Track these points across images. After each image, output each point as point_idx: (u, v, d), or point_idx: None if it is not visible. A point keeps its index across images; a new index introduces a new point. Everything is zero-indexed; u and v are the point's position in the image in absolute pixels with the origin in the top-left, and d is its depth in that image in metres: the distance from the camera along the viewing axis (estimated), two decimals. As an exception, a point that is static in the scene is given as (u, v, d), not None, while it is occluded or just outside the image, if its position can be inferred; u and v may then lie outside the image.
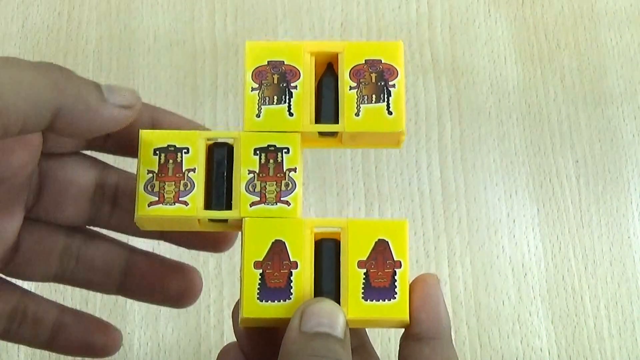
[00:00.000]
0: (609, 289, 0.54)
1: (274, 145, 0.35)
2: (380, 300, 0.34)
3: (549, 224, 0.55)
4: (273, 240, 0.34)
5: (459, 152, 0.57)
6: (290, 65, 0.36)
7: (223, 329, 0.52)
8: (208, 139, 0.35)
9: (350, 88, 0.35)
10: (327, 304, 0.32)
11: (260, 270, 0.34)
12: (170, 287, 0.39)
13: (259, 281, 0.34)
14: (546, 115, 0.58)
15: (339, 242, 0.35)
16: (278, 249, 0.34)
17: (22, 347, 0.51)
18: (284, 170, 0.35)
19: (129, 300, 0.52)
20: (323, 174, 0.56)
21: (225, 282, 0.53)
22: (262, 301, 0.33)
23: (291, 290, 0.34)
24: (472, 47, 0.60)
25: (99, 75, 0.58)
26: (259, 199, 0.34)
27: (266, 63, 0.36)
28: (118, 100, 0.32)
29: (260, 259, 0.34)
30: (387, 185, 0.56)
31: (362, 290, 0.34)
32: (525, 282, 0.54)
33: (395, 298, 0.34)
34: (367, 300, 0.34)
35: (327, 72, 0.36)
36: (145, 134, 0.35)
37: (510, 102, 0.58)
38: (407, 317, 0.34)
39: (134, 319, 0.52)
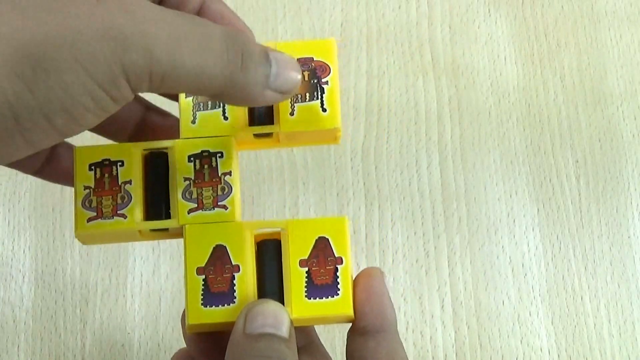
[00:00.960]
0: (609, 289, 0.54)
1: (208, 151, 0.35)
2: (324, 298, 0.34)
3: (549, 224, 0.55)
4: (214, 246, 0.34)
5: (459, 152, 0.57)
6: None
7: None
8: (144, 150, 0.35)
9: None
10: (270, 304, 0.32)
11: (203, 276, 0.34)
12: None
13: (202, 287, 0.34)
14: (546, 115, 0.58)
15: (281, 241, 0.35)
16: (219, 254, 0.34)
17: (22, 348, 0.51)
18: (219, 175, 0.35)
19: (129, 300, 0.52)
20: (323, 174, 0.56)
21: (225, 282, 0.53)
22: (206, 307, 0.34)
23: (234, 294, 0.34)
24: (472, 47, 0.60)
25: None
26: (196, 205, 0.35)
27: None
28: (279, 85, 0.32)
29: (202, 265, 0.34)
30: (387, 185, 0.56)
31: (305, 289, 0.34)
32: (525, 282, 0.54)
33: (338, 294, 0.34)
34: (310, 299, 0.34)
35: None
36: (79, 150, 0.35)
37: (510, 102, 0.58)
38: (351, 313, 0.34)
39: (134, 319, 0.52)
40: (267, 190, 0.55)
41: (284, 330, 0.32)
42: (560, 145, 0.57)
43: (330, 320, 0.35)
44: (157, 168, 0.35)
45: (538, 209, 0.56)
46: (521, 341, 0.53)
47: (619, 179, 0.57)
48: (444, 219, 0.55)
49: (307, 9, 0.61)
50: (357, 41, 0.60)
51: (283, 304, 0.34)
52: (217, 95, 0.31)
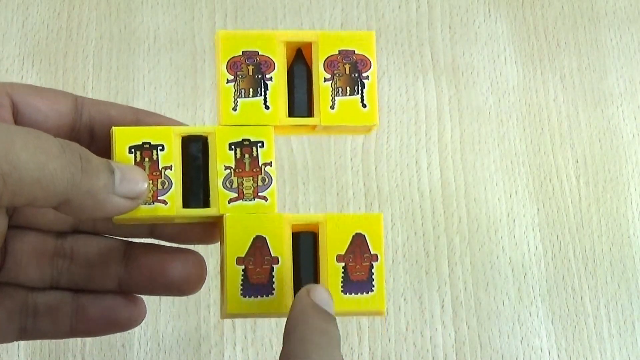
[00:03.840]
0: (609, 289, 0.54)
1: (249, 140, 0.35)
2: (359, 293, 0.34)
3: (549, 224, 0.55)
4: (254, 236, 0.34)
5: (459, 152, 0.57)
6: (264, 55, 0.35)
7: (223, 329, 0.52)
8: (183, 135, 0.35)
9: (325, 80, 0.35)
10: (325, 291, 0.33)
11: (243, 267, 0.34)
12: (174, 273, 0.37)
13: (242, 277, 0.34)
14: (546, 115, 0.58)
15: (316, 234, 0.35)
16: (259, 245, 0.34)
17: (22, 347, 0.51)
18: (260, 165, 0.35)
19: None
20: (323, 174, 0.56)
21: (225, 282, 0.53)
22: (245, 297, 0.34)
23: (273, 286, 0.34)
24: (472, 47, 0.60)
25: (99, 75, 0.58)
26: (236, 195, 0.34)
27: (240, 53, 0.35)
28: (126, 191, 0.32)
29: (242, 255, 0.34)
30: (387, 185, 0.56)
31: (342, 284, 0.34)
32: (525, 282, 0.54)
33: (373, 291, 0.34)
34: (346, 294, 0.34)
35: (298, 60, 0.36)
36: (118, 131, 0.34)
37: (510, 102, 0.58)
38: (383, 309, 0.34)
39: (134, 319, 0.52)
40: (267, 190, 0.55)
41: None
42: (560, 145, 0.57)
43: (362, 314, 0.35)
44: (195, 154, 0.35)
45: (538, 209, 0.56)
46: (521, 341, 0.53)
47: (619, 179, 0.57)
48: (444, 219, 0.55)
49: (307, 9, 0.61)
50: (357, 41, 0.60)
51: None
52: (65, 202, 0.30)
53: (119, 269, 0.37)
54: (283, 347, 0.31)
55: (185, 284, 0.38)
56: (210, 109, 0.57)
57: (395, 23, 0.60)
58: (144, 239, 0.38)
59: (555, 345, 0.52)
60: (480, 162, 0.57)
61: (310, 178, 0.56)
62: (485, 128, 0.58)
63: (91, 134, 0.36)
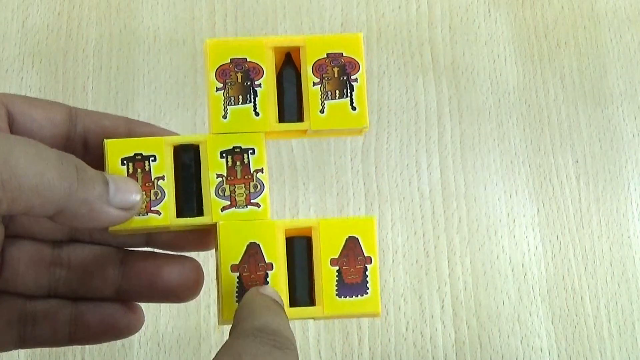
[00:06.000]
0: (609, 289, 0.54)
1: (239, 147, 0.35)
2: (354, 296, 0.35)
3: (549, 224, 0.55)
4: (248, 243, 0.34)
5: (459, 152, 0.57)
6: (253, 62, 0.35)
7: (223, 328, 0.52)
8: (174, 144, 0.35)
9: (314, 84, 0.35)
10: (273, 290, 0.34)
11: (237, 273, 0.34)
12: (171, 278, 0.37)
13: (237, 284, 0.34)
14: (546, 115, 0.58)
15: (310, 238, 0.35)
16: (253, 252, 0.34)
17: (22, 347, 0.51)
18: (251, 172, 0.35)
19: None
20: (323, 174, 0.56)
21: (225, 282, 0.53)
22: None
23: None
24: (472, 47, 0.60)
25: (99, 75, 0.58)
26: (229, 202, 0.35)
27: (229, 61, 0.35)
28: (120, 203, 0.33)
29: (237, 262, 0.34)
30: (387, 185, 0.56)
31: (336, 288, 0.34)
32: (525, 282, 0.54)
33: (367, 293, 0.35)
34: (341, 297, 0.34)
35: (287, 64, 0.36)
36: (110, 143, 0.35)
37: (510, 102, 0.58)
38: (379, 310, 0.35)
39: (134, 319, 0.52)
40: (267, 190, 0.55)
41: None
42: (560, 145, 0.57)
43: (357, 316, 0.36)
44: (187, 163, 0.35)
45: (538, 209, 0.56)
46: (521, 341, 0.53)
47: (619, 179, 0.57)
48: (444, 219, 0.55)
49: (307, 9, 0.61)
50: (357, 41, 0.60)
51: (314, 301, 0.35)
52: (61, 211, 0.31)
53: (116, 276, 0.38)
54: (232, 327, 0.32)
55: (182, 289, 0.38)
56: (210, 109, 0.57)
57: (395, 23, 0.60)
58: (140, 247, 0.38)
59: (555, 345, 0.52)
60: (480, 162, 0.57)
61: (310, 178, 0.56)
62: (485, 128, 0.58)
63: (85, 144, 0.36)
